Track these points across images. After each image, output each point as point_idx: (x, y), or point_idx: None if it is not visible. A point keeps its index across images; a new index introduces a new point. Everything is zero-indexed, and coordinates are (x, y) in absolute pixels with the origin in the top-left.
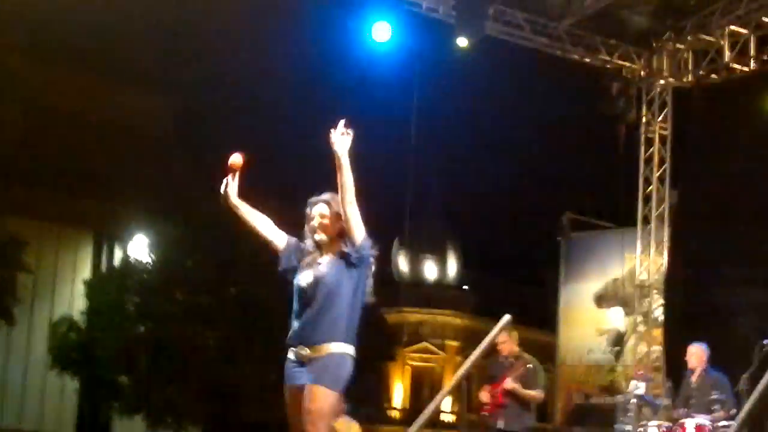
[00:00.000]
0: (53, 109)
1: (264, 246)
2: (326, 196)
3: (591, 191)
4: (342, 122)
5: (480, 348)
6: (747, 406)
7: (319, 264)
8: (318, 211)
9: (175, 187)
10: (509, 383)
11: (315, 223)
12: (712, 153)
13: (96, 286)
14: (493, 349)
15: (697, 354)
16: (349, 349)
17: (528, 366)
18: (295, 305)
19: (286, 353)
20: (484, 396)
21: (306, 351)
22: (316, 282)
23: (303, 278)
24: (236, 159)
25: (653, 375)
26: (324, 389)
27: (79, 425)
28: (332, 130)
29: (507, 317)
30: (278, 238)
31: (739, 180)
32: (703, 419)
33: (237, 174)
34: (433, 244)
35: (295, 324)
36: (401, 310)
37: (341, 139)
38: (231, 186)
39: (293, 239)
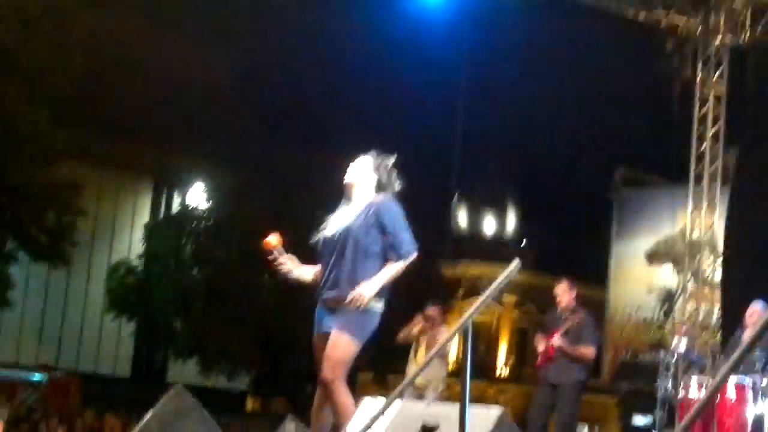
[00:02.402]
0: (116, 57)
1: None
2: (366, 157)
3: (645, 148)
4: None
5: (485, 295)
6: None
7: (348, 215)
8: (354, 164)
9: (234, 136)
10: (556, 340)
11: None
12: None
13: (154, 231)
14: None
15: (756, 311)
16: (377, 302)
17: (577, 321)
18: (323, 255)
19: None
20: (540, 345)
21: (334, 301)
22: (343, 232)
23: (330, 228)
24: (272, 240)
25: (701, 333)
26: (347, 337)
27: (135, 367)
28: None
29: (516, 262)
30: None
31: None
32: (744, 378)
33: (278, 251)
34: (493, 198)
35: (324, 274)
36: (460, 263)
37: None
38: (284, 265)
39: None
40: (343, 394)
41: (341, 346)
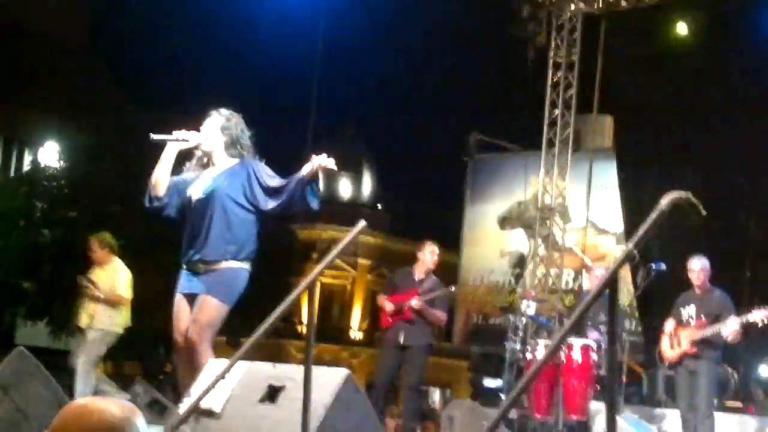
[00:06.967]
0: None
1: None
2: (216, 113)
3: (499, 113)
4: None
5: (331, 255)
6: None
7: (211, 177)
8: (206, 124)
9: (88, 95)
10: (417, 303)
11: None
12: (626, 77)
13: (4, 189)
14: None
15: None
16: (244, 264)
17: (441, 288)
18: (189, 218)
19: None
20: (387, 305)
21: (200, 265)
22: (211, 194)
23: (194, 191)
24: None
25: (548, 297)
26: (215, 300)
27: None
28: None
29: (362, 222)
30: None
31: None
32: (590, 339)
33: None
34: (348, 162)
35: (189, 240)
36: (314, 226)
37: None
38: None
39: (173, 179)
40: (207, 358)
41: (209, 309)
